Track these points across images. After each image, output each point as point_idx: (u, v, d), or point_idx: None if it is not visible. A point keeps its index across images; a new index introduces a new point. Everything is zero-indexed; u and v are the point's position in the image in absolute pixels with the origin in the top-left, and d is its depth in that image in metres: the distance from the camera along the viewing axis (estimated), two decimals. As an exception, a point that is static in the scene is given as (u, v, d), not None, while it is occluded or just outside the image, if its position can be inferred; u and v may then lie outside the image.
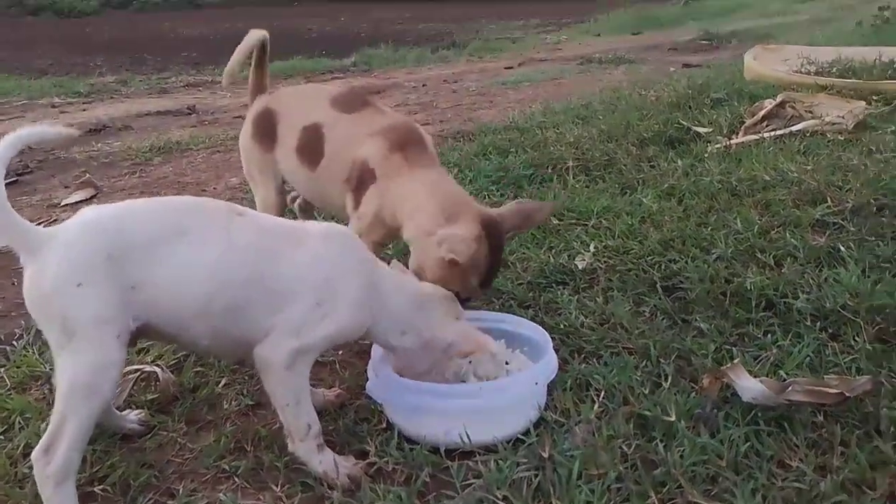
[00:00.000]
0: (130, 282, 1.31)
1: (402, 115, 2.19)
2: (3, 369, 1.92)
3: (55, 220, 3.21)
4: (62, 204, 3.55)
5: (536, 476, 1.37)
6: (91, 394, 1.29)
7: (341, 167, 2.02)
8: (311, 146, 2.08)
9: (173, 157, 4.52)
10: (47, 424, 1.30)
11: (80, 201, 3.55)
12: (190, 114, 6.18)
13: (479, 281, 1.82)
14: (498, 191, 3.25)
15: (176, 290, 1.35)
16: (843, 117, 3.82)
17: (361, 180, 1.97)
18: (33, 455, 1.28)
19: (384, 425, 1.62)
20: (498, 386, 1.56)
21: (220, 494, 1.42)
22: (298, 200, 2.53)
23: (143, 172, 4.20)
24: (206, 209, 1.45)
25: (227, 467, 1.50)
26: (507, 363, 1.64)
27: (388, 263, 1.66)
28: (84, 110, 6.51)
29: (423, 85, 7.58)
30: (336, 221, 1.96)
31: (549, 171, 3.49)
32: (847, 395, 1.51)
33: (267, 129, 2.20)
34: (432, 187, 1.89)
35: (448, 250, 1.71)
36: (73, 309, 1.27)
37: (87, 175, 3.97)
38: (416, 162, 1.94)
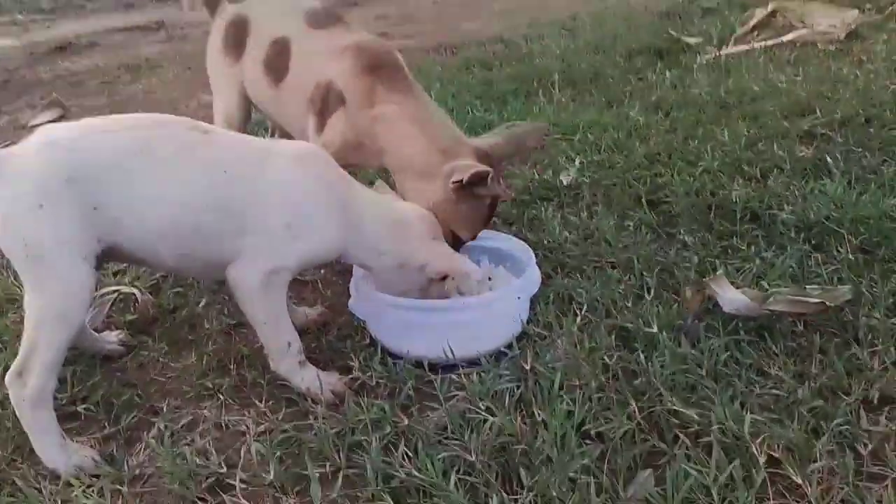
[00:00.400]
0: (92, 202, 1.26)
1: (371, 34, 2.01)
2: (-23, 293, 1.88)
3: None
4: (30, 125, 3.42)
5: (518, 387, 1.38)
6: (61, 318, 1.26)
7: (304, 86, 1.87)
8: (277, 61, 1.93)
9: (143, 75, 4.35)
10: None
11: (48, 122, 3.43)
12: (158, 29, 5.93)
13: (484, 219, 1.72)
14: (482, 105, 3.16)
15: (139, 212, 1.30)
16: (835, 26, 3.72)
17: (326, 102, 1.81)
18: (7, 379, 1.26)
19: (367, 342, 1.61)
20: (481, 301, 1.55)
21: (205, 411, 1.43)
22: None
23: (112, 91, 4.05)
24: (168, 127, 1.38)
25: (210, 385, 1.50)
26: (489, 279, 1.63)
27: (374, 185, 1.61)
28: (48, 27, 6.22)
29: (404, -4, 7.28)
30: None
31: (535, 85, 3.41)
32: (828, 304, 1.52)
33: (237, 39, 2.05)
34: (421, 121, 1.72)
35: (458, 183, 1.60)
36: (34, 232, 1.23)
37: (54, 95, 3.82)
38: (393, 87, 1.75)
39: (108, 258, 1.38)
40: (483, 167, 1.59)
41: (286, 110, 1.99)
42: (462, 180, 1.59)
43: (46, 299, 1.25)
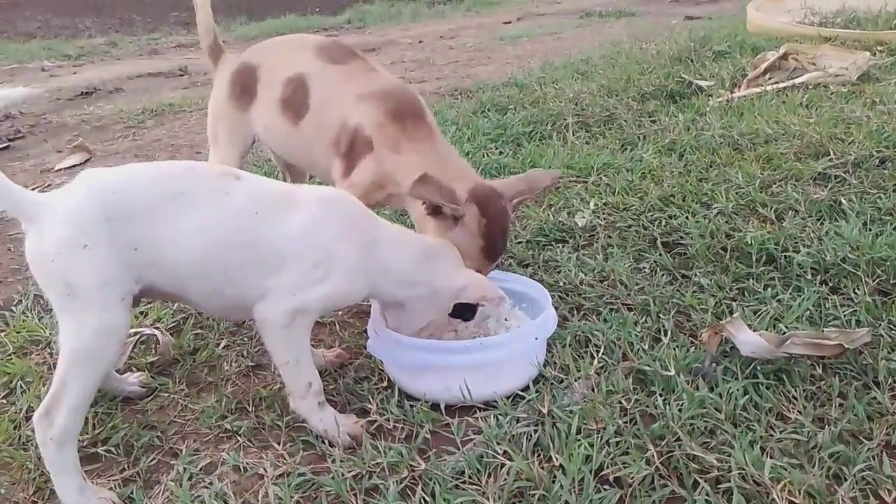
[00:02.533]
0: (132, 244, 1.30)
1: (393, 76, 2.06)
2: (3, 334, 1.92)
3: (49, 185, 3.18)
4: (56, 169, 3.52)
5: (536, 431, 1.37)
6: (94, 358, 1.29)
7: (328, 125, 1.91)
8: (295, 98, 1.94)
9: (166, 120, 4.46)
10: (48, 388, 1.30)
11: (74, 165, 3.52)
12: (182, 75, 6.09)
13: (483, 251, 1.74)
14: (497, 148, 3.21)
15: (174, 254, 1.34)
16: (846, 69, 3.76)
17: (354, 147, 1.87)
18: (35, 417, 1.28)
19: (384, 384, 1.62)
20: (498, 341, 1.56)
21: (223, 453, 1.43)
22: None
23: (136, 135, 4.15)
24: (200, 172, 1.43)
25: (229, 427, 1.51)
26: (506, 320, 1.64)
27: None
28: (74, 73, 6.41)
29: (420, 42, 7.46)
30: (318, 182, 1.89)
31: (549, 127, 3.45)
32: (846, 347, 1.51)
33: (246, 86, 2.05)
34: (438, 167, 1.76)
35: (426, 209, 1.69)
36: (75, 272, 1.26)
37: (80, 139, 3.92)
38: (415, 135, 1.84)
39: (143, 296, 1.41)
40: (436, 199, 1.66)
41: (306, 147, 1.99)
42: (427, 202, 1.69)
43: (82, 339, 1.27)
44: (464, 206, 1.68)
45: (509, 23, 8.71)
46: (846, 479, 1.21)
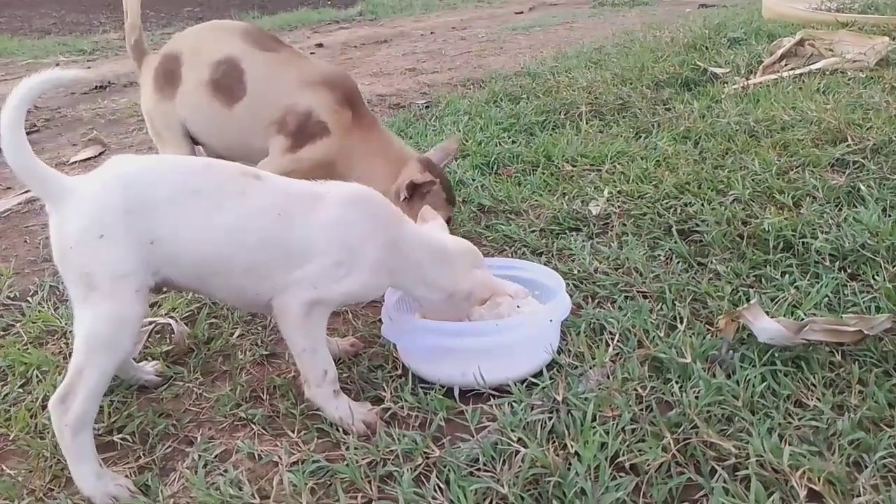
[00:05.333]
0: (149, 237, 1.30)
1: (321, 61, 2.34)
2: (19, 325, 1.94)
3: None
4: (71, 162, 3.54)
5: (551, 418, 1.36)
6: (109, 347, 1.29)
7: (268, 106, 2.05)
8: (228, 81, 2.04)
9: (180, 113, 4.47)
10: (64, 377, 1.31)
11: (89, 158, 3.54)
12: (195, 68, 6.10)
13: (446, 200, 2.12)
14: (509, 138, 3.19)
15: (195, 249, 1.34)
16: (864, 54, 3.70)
17: (303, 128, 2.05)
18: (50, 404, 1.29)
19: (399, 372, 1.62)
20: (512, 324, 1.55)
21: (238, 441, 1.44)
22: None
23: (151, 128, 4.17)
24: (218, 171, 1.42)
25: (243, 415, 1.52)
26: (518, 307, 1.63)
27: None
28: (89, 68, 6.44)
29: (431, 33, 7.44)
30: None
31: (562, 116, 3.43)
32: (866, 333, 1.49)
33: (168, 76, 2.10)
34: (380, 149, 2.12)
35: (406, 194, 2.01)
36: (93, 262, 1.27)
37: (95, 132, 3.95)
38: (363, 122, 2.13)
39: (160, 287, 1.42)
40: (416, 177, 2.01)
41: (240, 128, 2.09)
42: (407, 196, 2.01)
43: (98, 327, 1.27)
44: (424, 175, 2.00)
45: (521, 13, 8.66)
46: (867, 467, 1.19)
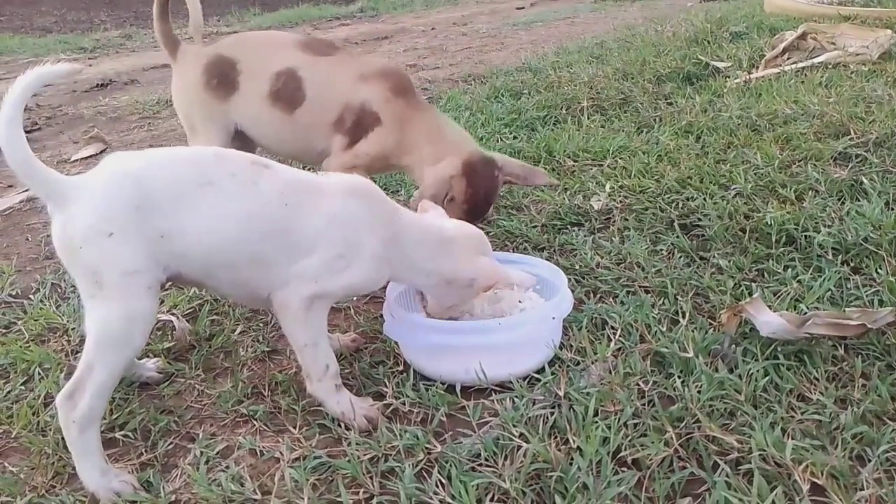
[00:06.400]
0: (159, 232, 1.29)
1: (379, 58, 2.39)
2: (21, 322, 1.94)
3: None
4: (72, 159, 3.54)
5: (552, 414, 1.36)
6: (121, 344, 1.28)
7: (327, 108, 2.11)
8: (288, 91, 2.11)
9: (181, 110, 4.47)
10: (66, 375, 1.30)
11: (90, 156, 3.55)
12: (195, 66, 6.10)
13: (466, 213, 2.01)
14: (511, 133, 3.18)
15: (205, 241, 1.33)
16: (867, 47, 3.68)
17: (360, 122, 2.09)
18: (57, 400, 1.28)
19: (400, 367, 1.62)
20: (515, 321, 1.55)
21: (240, 437, 1.44)
22: None
23: (151, 126, 4.17)
24: (229, 161, 1.41)
25: (245, 411, 1.52)
26: (520, 302, 1.63)
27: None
28: (90, 66, 6.45)
29: (432, 29, 7.43)
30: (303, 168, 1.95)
31: (563, 111, 3.42)
32: (868, 327, 1.48)
33: (223, 79, 2.15)
34: (432, 138, 2.10)
35: (419, 195, 1.98)
36: (103, 260, 1.25)
37: (96, 130, 3.95)
38: (417, 108, 2.15)
39: (168, 282, 1.41)
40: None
41: (302, 133, 2.15)
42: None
43: (109, 325, 1.26)
44: (453, 179, 2.00)
45: (522, 8, 8.64)
46: (870, 461, 1.19)
